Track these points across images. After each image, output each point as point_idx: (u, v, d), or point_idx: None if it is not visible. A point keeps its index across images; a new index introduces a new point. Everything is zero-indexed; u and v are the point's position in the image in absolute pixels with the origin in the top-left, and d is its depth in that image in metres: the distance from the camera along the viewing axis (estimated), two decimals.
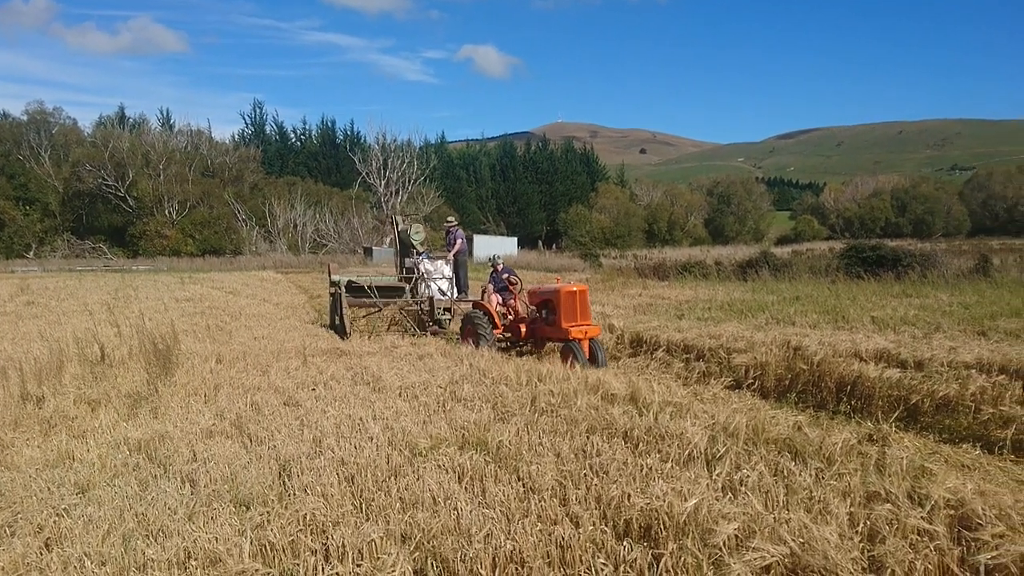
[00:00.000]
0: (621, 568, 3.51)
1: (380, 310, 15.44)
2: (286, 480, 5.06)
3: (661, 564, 3.46)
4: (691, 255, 44.77)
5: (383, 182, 72.66)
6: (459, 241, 17.46)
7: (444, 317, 14.94)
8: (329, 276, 15.80)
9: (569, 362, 10.16)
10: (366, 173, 72.46)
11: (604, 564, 3.55)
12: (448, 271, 16.18)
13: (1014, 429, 6.43)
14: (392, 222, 17.13)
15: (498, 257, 14.17)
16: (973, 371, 7.73)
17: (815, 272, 23.46)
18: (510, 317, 12.85)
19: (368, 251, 59.15)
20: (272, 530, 4.02)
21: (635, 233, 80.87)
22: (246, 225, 64.06)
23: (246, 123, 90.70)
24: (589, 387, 7.59)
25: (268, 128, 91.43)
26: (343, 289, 14.71)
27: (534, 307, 12.20)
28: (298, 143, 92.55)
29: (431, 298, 15.10)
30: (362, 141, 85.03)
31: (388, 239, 69.02)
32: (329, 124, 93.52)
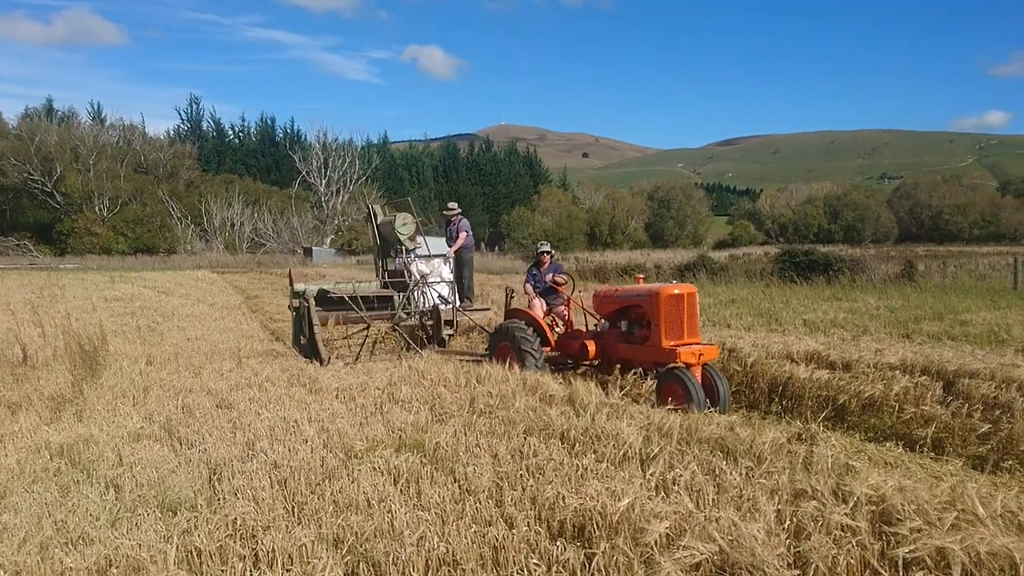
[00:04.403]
0: (554, 568, 3.52)
1: (367, 328, 12.08)
2: (216, 484, 4.93)
3: (593, 564, 3.48)
4: (631, 258, 45.44)
5: (324, 181, 71.84)
6: (463, 234, 13.91)
7: (447, 333, 11.98)
8: (291, 286, 11.96)
9: (671, 402, 7.09)
10: (306, 172, 71.57)
11: (537, 564, 3.56)
12: (448, 273, 13.03)
13: (934, 427, 6.70)
14: (370, 214, 13.66)
15: (544, 246, 10.82)
16: (897, 372, 8.01)
17: (750, 276, 24.01)
18: (558, 329, 9.99)
19: (308, 251, 58.35)
20: (199, 536, 3.91)
21: (577, 236, 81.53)
22: (181, 223, 62.45)
23: (182, 119, 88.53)
24: (528, 388, 7.60)
25: (205, 124, 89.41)
26: (311, 302, 11.38)
27: (604, 317, 9.29)
28: (236, 140, 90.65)
29: (436, 308, 12.08)
30: (303, 140, 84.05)
31: (329, 239, 68.33)
32: (269, 121, 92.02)
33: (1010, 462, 6.01)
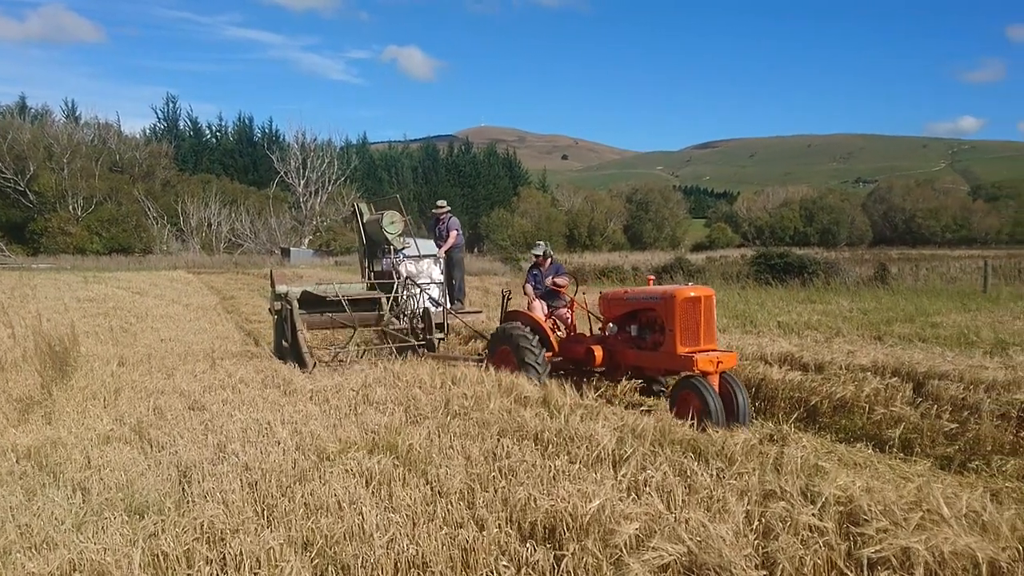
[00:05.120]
0: (524, 570, 3.53)
1: (354, 332, 11.64)
2: (186, 487, 4.88)
3: (562, 565, 3.49)
4: (610, 260, 45.64)
5: (302, 182, 71.39)
6: (454, 233, 13.49)
7: (437, 336, 11.36)
8: (272, 288, 11.38)
9: (691, 415, 6.57)
10: (284, 172, 71.10)
11: (507, 566, 3.56)
12: (438, 273, 12.61)
13: (903, 428, 6.79)
14: (355, 212, 13.31)
15: (542, 246, 10.22)
16: (868, 374, 8.09)
17: (727, 278, 24.20)
18: (559, 333, 9.47)
19: (285, 252, 57.95)
20: (166, 539, 3.86)
21: (556, 238, 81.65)
22: (157, 223, 61.72)
23: (158, 117, 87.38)
24: (503, 390, 7.59)
25: (182, 123, 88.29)
26: (294, 305, 10.82)
27: (612, 321, 8.71)
28: (214, 140, 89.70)
29: (427, 311, 11.53)
30: (281, 140, 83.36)
31: (307, 240, 67.90)
32: (247, 121, 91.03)
33: (976, 462, 6.10)
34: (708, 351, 7.41)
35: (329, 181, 71.59)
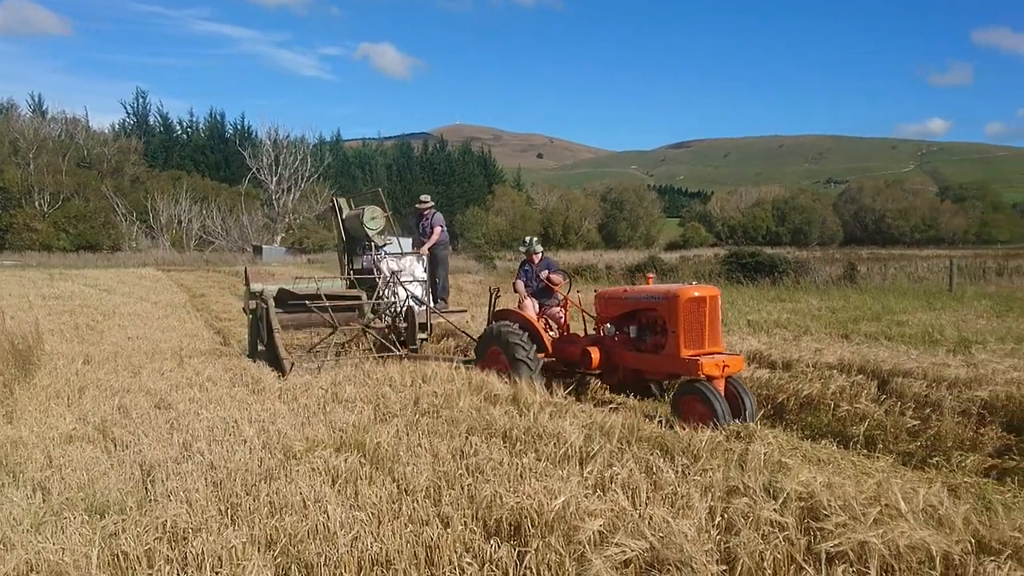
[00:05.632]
0: (487, 567, 3.53)
1: (334, 331, 10.84)
2: (149, 486, 4.83)
3: (525, 561, 3.50)
4: (584, 259, 45.73)
5: (275, 179, 70.77)
6: (438, 229, 13.07)
7: (420, 336, 10.96)
8: (247, 285, 11.07)
9: (695, 420, 6.39)
10: (256, 169, 70.42)
11: (470, 563, 3.56)
12: (421, 271, 12.07)
13: (867, 425, 6.88)
14: (334, 207, 12.91)
15: (532, 241, 9.79)
16: (835, 371, 8.18)
17: (699, 277, 24.36)
18: (552, 333, 9.11)
19: (257, 249, 57.47)
20: (127, 539, 3.82)
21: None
22: (126, 220, 60.87)
23: (128, 113, 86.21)
24: (473, 388, 7.60)
25: (152, 119, 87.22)
26: (270, 303, 10.42)
27: (609, 321, 8.27)
28: (184, 136, 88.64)
29: (412, 310, 11.03)
30: (253, 136, 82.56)
31: (279, 237, 67.32)
32: (218, 117, 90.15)
33: (937, 458, 6.20)
34: (713, 354, 7.08)
35: (302, 178, 71.07)
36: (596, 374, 8.59)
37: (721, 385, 6.83)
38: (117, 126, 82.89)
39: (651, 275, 9.05)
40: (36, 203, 57.97)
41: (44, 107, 75.55)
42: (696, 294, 7.18)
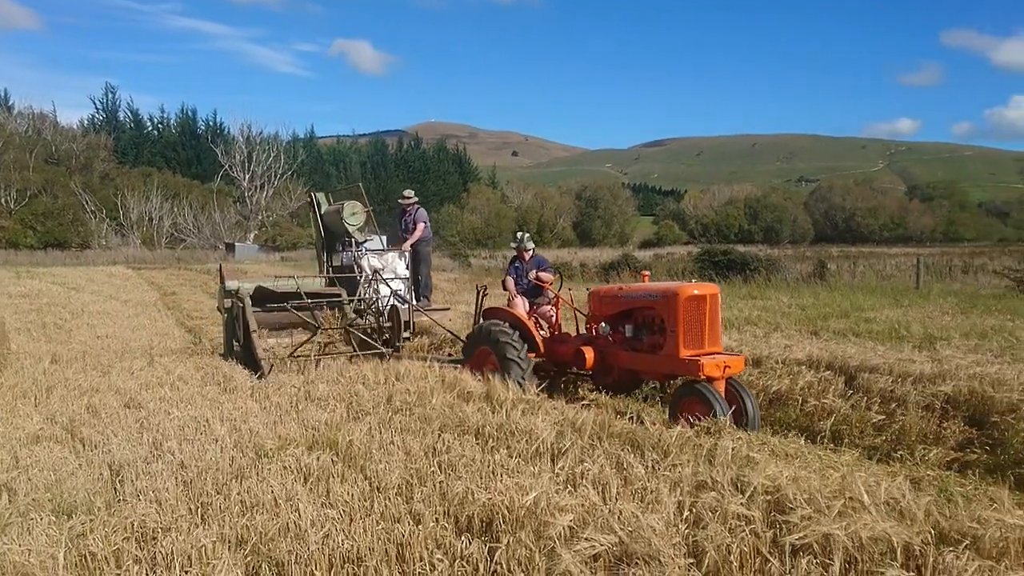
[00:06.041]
0: (457, 563, 3.56)
1: (316, 331, 10.26)
2: (118, 486, 4.79)
3: (496, 557, 3.53)
4: (558, 256, 45.83)
5: (247, 176, 70.13)
6: (421, 225, 12.63)
7: (403, 336, 10.56)
8: (221, 283, 10.63)
9: (693, 422, 6.26)
10: (229, 166, 69.74)
11: (441, 559, 3.59)
12: (403, 268, 11.68)
13: (834, 419, 7.01)
14: (312, 203, 12.49)
15: (524, 237, 9.53)
16: (804, 367, 8.31)
17: (672, 274, 24.57)
18: (542, 332, 8.79)
19: (230, 247, 56.92)
20: (95, 539, 3.79)
21: (505, 234, 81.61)
22: (95, 217, 59.98)
23: (97, 108, 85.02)
24: (446, 386, 7.61)
25: (122, 115, 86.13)
26: (247, 302, 9.94)
27: (604, 320, 8.05)
28: (155, 132, 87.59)
29: (395, 308, 10.61)
30: (225, 132, 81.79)
31: (252, 235, 66.72)
32: (190, 113, 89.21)
33: (901, 452, 6.34)
34: (713, 354, 6.92)
35: (275, 175, 70.50)
36: (589, 375, 8.42)
37: (722, 387, 6.74)
38: (86, 122, 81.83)
39: (647, 272, 8.87)
40: (2, 200, 56.96)
41: (11, 102, 74.37)
42: (696, 292, 7.02)
